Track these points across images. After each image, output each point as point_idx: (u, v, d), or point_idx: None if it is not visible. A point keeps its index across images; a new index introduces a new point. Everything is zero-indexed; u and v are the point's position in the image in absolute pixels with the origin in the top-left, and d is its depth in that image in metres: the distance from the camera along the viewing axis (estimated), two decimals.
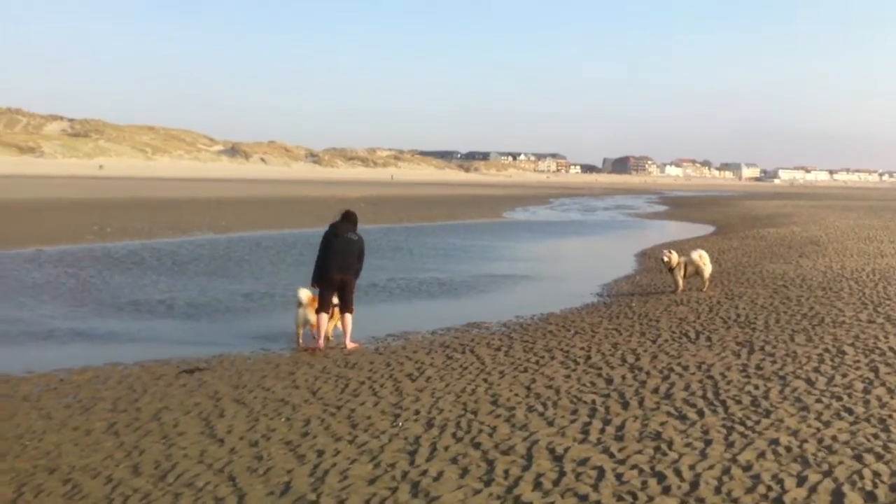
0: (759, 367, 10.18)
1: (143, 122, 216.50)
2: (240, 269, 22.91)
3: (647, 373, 10.23)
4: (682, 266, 18.18)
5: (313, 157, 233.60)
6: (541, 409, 8.70)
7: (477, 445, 7.49)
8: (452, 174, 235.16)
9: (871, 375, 9.46)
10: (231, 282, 20.43)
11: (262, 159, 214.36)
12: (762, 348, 11.40)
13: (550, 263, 26.92)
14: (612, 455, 7.04)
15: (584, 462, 6.89)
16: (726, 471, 6.53)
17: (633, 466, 6.73)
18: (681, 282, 18.10)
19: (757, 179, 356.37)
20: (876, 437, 7.20)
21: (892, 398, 8.44)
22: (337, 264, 12.97)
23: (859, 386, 9.00)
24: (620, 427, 7.86)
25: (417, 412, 8.75)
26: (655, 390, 9.29)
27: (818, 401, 8.46)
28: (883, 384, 9.04)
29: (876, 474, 6.31)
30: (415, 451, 7.41)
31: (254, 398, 9.66)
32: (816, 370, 9.86)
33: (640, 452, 7.07)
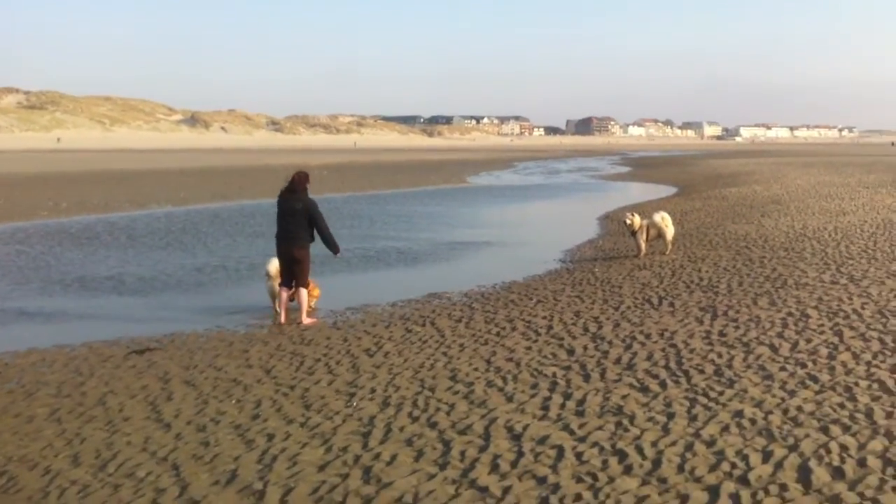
0: (722, 334, 10.00)
1: (100, 93, 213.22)
2: (196, 241, 22.45)
3: (610, 342, 10.01)
4: (645, 229, 17.96)
5: (275, 124, 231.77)
6: (500, 383, 8.45)
7: (433, 425, 7.22)
8: (416, 139, 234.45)
9: (836, 340, 9.29)
10: (186, 255, 20.02)
11: (223, 128, 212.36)
12: (725, 313, 11.23)
13: (513, 229, 26.69)
14: (572, 432, 6.81)
15: (543, 441, 6.65)
16: (689, 447, 6.32)
17: (594, 444, 6.50)
18: (643, 245, 17.91)
19: (719, 138, 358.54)
20: (842, 406, 7.01)
21: (857, 364, 8.26)
22: (281, 235, 12.65)
23: (824, 352, 8.83)
24: (581, 401, 7.63)
25: (373, 390, 8.47)
26: (617, 360, 9.08)
27: (782, 368, 8.27)
28: (848, 349, 8.87)
29: (843, 448, 6.11)
30: (369, 432, 7.13)
31: (204, 379, 9.33)
32: (780, 336, 9.69)
33: (600, 429, 6.84)
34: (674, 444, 6.41)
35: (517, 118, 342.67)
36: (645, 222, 18.03)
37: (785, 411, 6.97)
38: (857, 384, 7.61)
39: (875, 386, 7.53)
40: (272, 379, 9.21)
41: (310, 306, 13.05)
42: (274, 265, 13.14)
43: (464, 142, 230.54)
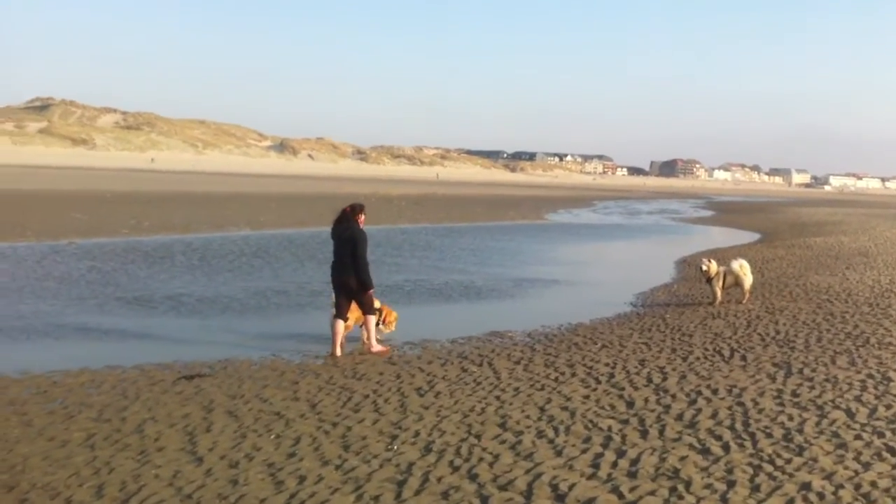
0: (795, 394, 9.36)
1: (195, 117, 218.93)
2: (264, 265, 22.41)
3: (673, 395, 9.46)
4: (722, 276, 17.28)
5: (360, 154, 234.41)
6: (551, 434, 7.99)
7: (474, 477, 6.79)
8: (498, 174, 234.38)
9: None
10: (251, 279, 19.98)
11: (310, 155, 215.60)
12: (800, 371, 10.57)
13: (585, 268, 26.07)
14: (621, 495, 6.31)
15: (588, 503, 6.17)
16: None
17: None
18: (719, 293, 17.22)
19: (807, 185, 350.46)
20: None
21: None
22: (335, 265, 12.55)
23: None
24: (635, 461, 7.12)
25: (417, 433, 8.08)
26: (679, 417, 8.53)
27: (858, 437, 7.64)
28: None
29: None
30: (404, 481, 6.74)
31: (248, 410, 9.05)
32: (858, 399, 9.03)
33: (653, 494, 6.34)
34: None
35: (600, 157, 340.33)
36: (722, 269, 17.35)
37: (857, 486, 6.37)
38: None
39: None
40: (316, 414, 8.89)
41: (380, 333, 12.94)
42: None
43: (546, 178, 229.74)
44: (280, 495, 6.50)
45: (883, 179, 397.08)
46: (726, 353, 12.01)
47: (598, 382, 10.26)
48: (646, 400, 9.31)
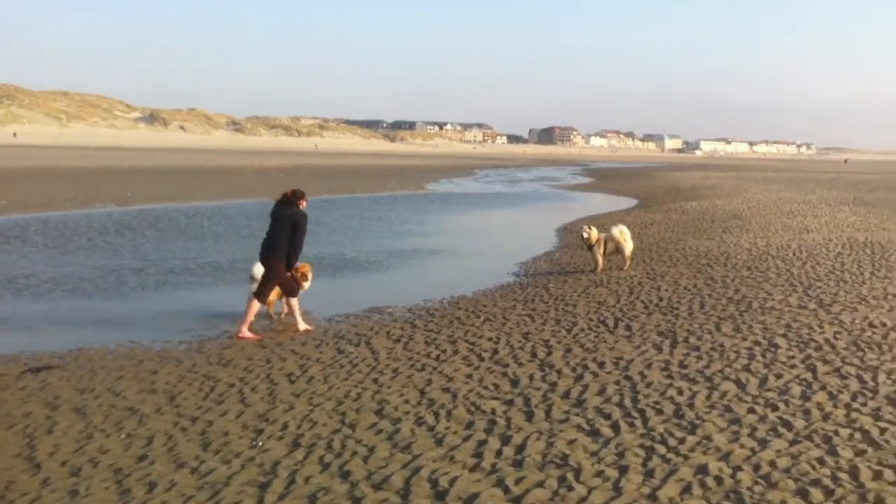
0: (682, 365, 9.03)
1: (58, 88, 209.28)
2: (126, 244, 21.12)
3: (559, 371, 9.00)
4: (602, 243, 17.03)
5: (235, 125, 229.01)
6: (431, 420, 7.40)
7: (346, 475, 6.14)
8: (378, 144, 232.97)
9: (809, 376, 8.35)
10: (111, 257, 18.80)
11: (182, 127, 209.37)
12: (686, 339, 10.28)
13: (467, 239, 25.59)
14: (506, 489, 5.76)
15: (471, 501, 5.59)
16: None
17: None
18: (601, 260, 16.97)
19: (679, 151, 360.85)
20: (822, 462, 6.03)
21: (835, 407, 7.31)
22: (264, 245, 12.10)
23: (797, 390, 7.88)
24: (521, 447, 6.58)
25: (285, 426, 7.37)
26: (566, 395, 8.06)
27: (751, 410, 7.30)
28: (823, 387, 7.93)
29: None
30: (268, 483, 6.03)
31: (98, 406, 8.17)
32: (747, 369, 8.74)
33: (541, 485, 5.81)
34: None
35: (480, 125, 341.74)
36: (603, 236, 17.11)
37: (756, 467, 5.98)
38: (836, 433, 6.64)
39: (857, 436, 6.57)
40: (174, 408, 8.08)
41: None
42: (258, 269, 12.25)
43: (426, 148, 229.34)
44: None
45: (751, 143, 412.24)
46: (611, 322, 11.66)
47: (482, 360, 9.73)
48: (531, 377, 8.81)
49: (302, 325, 12.07)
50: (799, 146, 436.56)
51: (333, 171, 70.42)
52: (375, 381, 8.89)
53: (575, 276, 16.65)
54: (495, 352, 10.11)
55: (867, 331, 10.31)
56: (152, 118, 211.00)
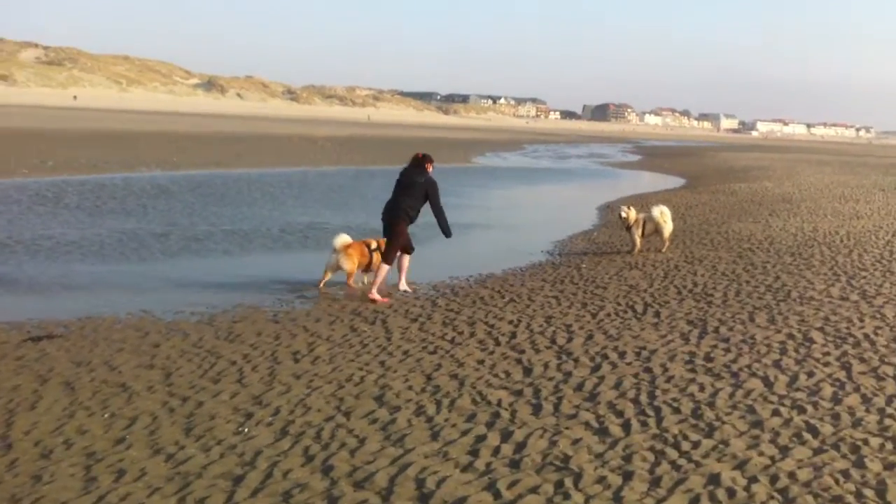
0: (708, 358, 8.47)
1: (119, 52, 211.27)
2: (161, 208, 20.90)
3: (576, 360, 8.50)
4: (641, 224, 16.40)
5: (291, 93, 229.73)
6: (432, 410, 6.95)
7: (328, 471, 5.72)
8: (431, 116, 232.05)
9: (843, 376, 7.76)
10: (142, 221, 18.63)
11: (239, 94, 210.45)
12: (716, 330, 9.70)
13: (505, 214, 25.01)
14: (497, 494, 5.31)
15: None
16: None
17: None
18: (638, 241, 16.35)
19: (735, 131, 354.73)
20: (846, 475, 5.48)
21: (867, 412, 6.73)
22: (387, 208, 12.35)
23: (828, 391, 7.29)
24: (521, 445, 6.12)
25: (277, 411, 6.98)
26: (579, 387, 7.57)
27: (775, 412, 6.74)
28: (857, 389, 7.34)
29: None
30: (243, 476, 5.64)
31: (89, 381, 7.84)
32: (777, 365, 8.16)
33: (535, 491, 5.34)
34: None
35: (534, 100, 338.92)
36: (642, 216, 16.47)
37: (773, 479, 5.45)
38: (866, 442, 6.08)
39: (889, 446, 6.01)
40: (167, 386, 7.72)
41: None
42: (341, 239, 12.49)
43: (479, 121, 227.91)
44: (85, 497, 5.35)
45: (808, 125, 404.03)
46: (639, 308, 11.11)
47: (497, 344, 9.26)
48: (545, 365, 8.33)
49: (403, 286, 12.54)
50: (858, 129, 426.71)
51: (383, 142, 70.04)
52: (382, 363, 8.47)
53: (610, 256, 16.07)
54: (513, 336, 9.63)
55: None
56: (210, 85, 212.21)
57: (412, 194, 12.14)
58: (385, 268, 12.18)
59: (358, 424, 6.62)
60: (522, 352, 8.90)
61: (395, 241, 12.19)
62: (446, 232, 12.41)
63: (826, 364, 8.14)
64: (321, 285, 12.61)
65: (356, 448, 6.11)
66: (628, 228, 16.52)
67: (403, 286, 12.56)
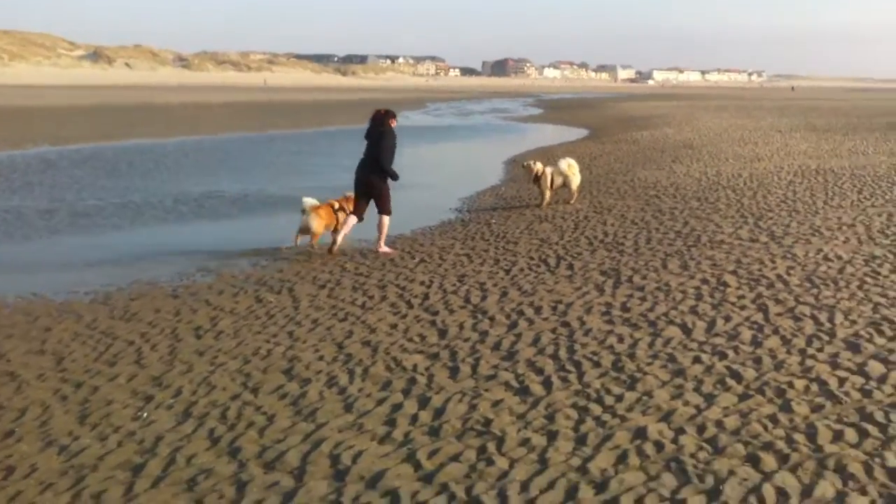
0: (625, 308, 8.32)
1: None
2: (48, 183, 19.89)
3: (492, 318, 8.25)
4: (549, 176, 16.23)
5: (182, 61, 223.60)
6: (345, 381, 6.61)
7: (235, 453, 5.34)
8: (329, 78, 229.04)
9: (760, 318, 7.68)
10: (27, 198, 17.78)
11: (127, 64, 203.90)
12: (630, 279, 9.57)
13: (410, 173, 24.28)
14: (417, 465, 5.01)
15: (374, 482, 4.83)
16: (572, 493, 4.59)
17: (442, 489, 4.71)
18: (547, 194, 16.18)
19: (632, 81, 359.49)
20: (774, 421, 5.35)
21: (788, 353, 6.64)
22: (360, 165, 12.72)
23: (747, 335, 7.19)
24: (440, 411, 5.84)
25: (179, 392, 6.54)
26: (497, 346, 7.31)
27: (696, 360, 6.60)
28: (775, 331, 7.25)
29: (781, 493, 4.45)
30: (143, 465, 5.22)
31: None
32: (693, 311, 8.05)
33: (457, 459, 5.06)
34: (551, 486, 4.66)
35: (433, 58, 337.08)
36: (549, 169, 16.29)
37: (701, 429, 5.29)
38: (791, 385, 5.96)
39: (814, 388, 5.91)
40: (60, 372, 7.20)
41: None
42: (309, 201, 12.74)
43: (378, 81, 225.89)
44: None
45: (703, 72, 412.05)
46: (552, 261, 10.93)
47: (410, 307, 8.95)
48: (461, 326, 8.06)
49: (384, 248, 12.46)
50: (750, 74, 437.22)
51: (281, 107, 68.73)
52: (291, 334, 8.08)
53: (520, 210, 15.89)
54: (426, 297, 9.34)
55: (822, 265, 9.68)
56: (96, 55, 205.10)
57: (377, 148, 12.46)
58: (385, 219, 12.53)
59: (266, 401, 6.24)
60: (436, 313, 8.61)
61: (385, 195, 12.57)
62: (388, 171, 12.61)
63: (742, 307, 8.06)
64: (293, 246, 12.67)
65: (265, 426, 5.74)
66: (536, 181, 16.33)
67: (384, 248, 12.52)
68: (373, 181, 12.52)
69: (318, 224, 12.60)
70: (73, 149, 29.60)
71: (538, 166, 16.23)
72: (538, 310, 8.47)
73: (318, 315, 8.78)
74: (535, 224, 14.06)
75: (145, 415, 6.07)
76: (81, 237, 14.12)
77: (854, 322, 7.41)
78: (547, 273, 10.25)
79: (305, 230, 12.67)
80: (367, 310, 8.91)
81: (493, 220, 14.81)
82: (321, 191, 19.15)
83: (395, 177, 12.73)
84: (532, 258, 11.22)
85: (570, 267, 10.49)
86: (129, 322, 8.85)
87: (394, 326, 8.19)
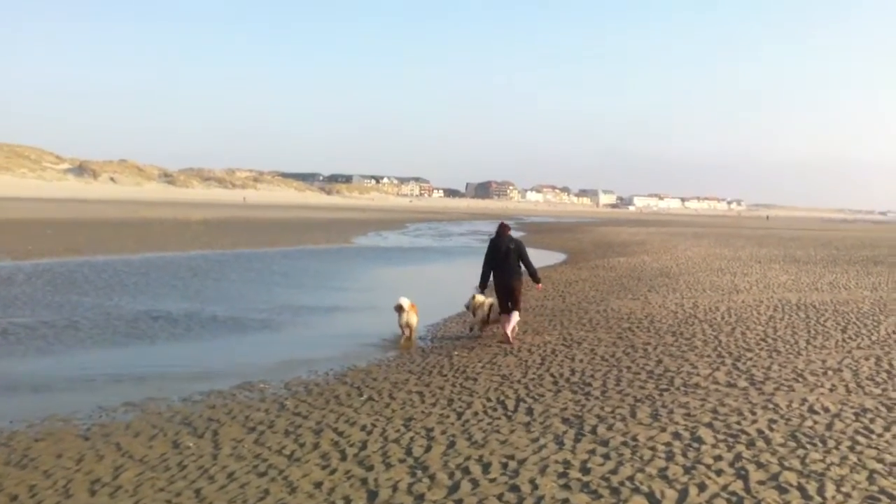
0: (584, 469, 7.27)
1: None
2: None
3: (432, 477, 7.19)
4: (487, 308, 15.58)
5: (167, 177, 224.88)
6: None
7: None
8: (313, 196, 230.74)
9: (740, 488, 6.64)
10: None
11: (112, 178, 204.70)
12: (594, 429, 8.55)
13: (377, 295, 23.58)
14: None
15: None
16: None
17: None
18: (479, 323, 15.59)
19: (613, 206, 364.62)
20: None
21: None
22: (499, 270, 14.84)
23: None
24: None
25: None
26: None
27: None
28: None
29: None
30: None
31: None
32: (663, 474, 7.01)
33: None
34: None
35: (417, 179, 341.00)
36: (489, 301, 15.59)
37: None
38: None
39: None
40: None
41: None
42: (405, 300, 15.23)
43: (362, 201, 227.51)
44: None
45: (682, 199, 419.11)
46: (511, 403, 9.92)
47: (343, 458, 7.88)
48: (395, 487, 6.98)
49: (512, 335, 14.45)
50: (729, 202, 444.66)
51: (262, 224, 68.27)
52: (198, 492, 6.99)
53: (485, 340, 14.92)
54: (363, 446, 8.27)
55: (807, 419, 8.71)
56: (81, 169, 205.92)
57: (512, 258, 14.75)
58: (516, 314, 14.61)
59: None
60: (371, 468, 7.54)
61: (520, 296, 14.76)
62: (535, 278, 15.34)
63: (719, 472, 7.03)
64: (403, 341, 15.07)
65: None
66: (474, 312, 15.66)
67: (512, 337, 14.41)
68: (515, 284, 14.63)
69: (415, 318, 15.30)
70: (33, 263, 28.58)
71: (479, 297, 15.61)
72: (486, 467, 7.42)
73: (236, 467, 7.70)
74: (500, 357, 13.10)
75: None
76: (3, 361, 12.99)
77: (848, 496, 6.39)
78: (503, 418, 9.22)
79: (404, 326, 15.09)
80: (294, 461, 7.84)
81: (455, 352, 13.84)
82: (275, 310, 18.22)
83: (538, 279, 15.47)
84: (489, 399, 10.20)
85: (530, 412, 9.47)
86: (23, 470, 7.74)
87: (318, 485, 7.11)
